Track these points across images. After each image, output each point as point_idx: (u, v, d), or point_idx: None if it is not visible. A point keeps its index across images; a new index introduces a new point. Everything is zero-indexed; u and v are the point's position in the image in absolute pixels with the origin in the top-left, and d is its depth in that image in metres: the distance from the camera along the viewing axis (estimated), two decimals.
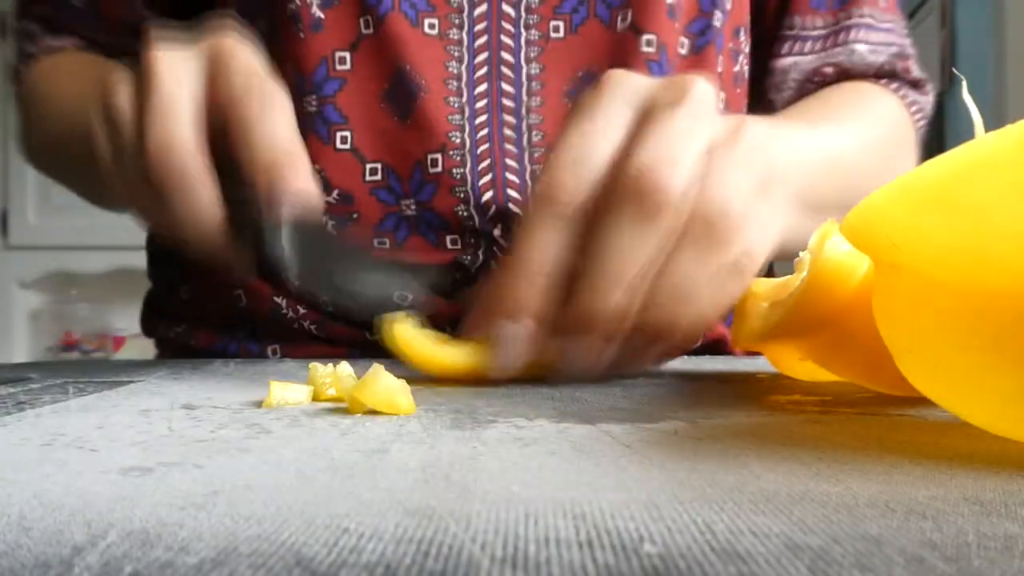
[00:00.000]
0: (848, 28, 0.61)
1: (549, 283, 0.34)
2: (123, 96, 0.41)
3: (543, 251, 0.34)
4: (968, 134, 0.23)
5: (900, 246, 0.21)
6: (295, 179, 0.37)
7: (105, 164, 0.42)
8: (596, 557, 0.13)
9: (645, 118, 0.34)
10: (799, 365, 0.35)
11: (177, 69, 0.39)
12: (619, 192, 0.33)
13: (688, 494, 0.17)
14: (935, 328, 0.21)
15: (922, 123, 0.63)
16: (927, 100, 0.63)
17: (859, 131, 0.55)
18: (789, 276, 0.35)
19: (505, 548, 0.13)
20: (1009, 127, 0.19)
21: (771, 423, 0.25)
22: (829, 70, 0.61)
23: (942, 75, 2.25)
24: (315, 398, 0.30)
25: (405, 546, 0.13)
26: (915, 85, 0.63)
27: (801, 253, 0.32)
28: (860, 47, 0.60)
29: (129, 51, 0.61)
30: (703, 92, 0.35)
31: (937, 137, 2.29)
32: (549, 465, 0.19)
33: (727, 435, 0.23)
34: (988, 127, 0.23)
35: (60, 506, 0.16)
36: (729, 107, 0.59)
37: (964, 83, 0.27)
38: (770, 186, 0.36)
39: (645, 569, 0.12)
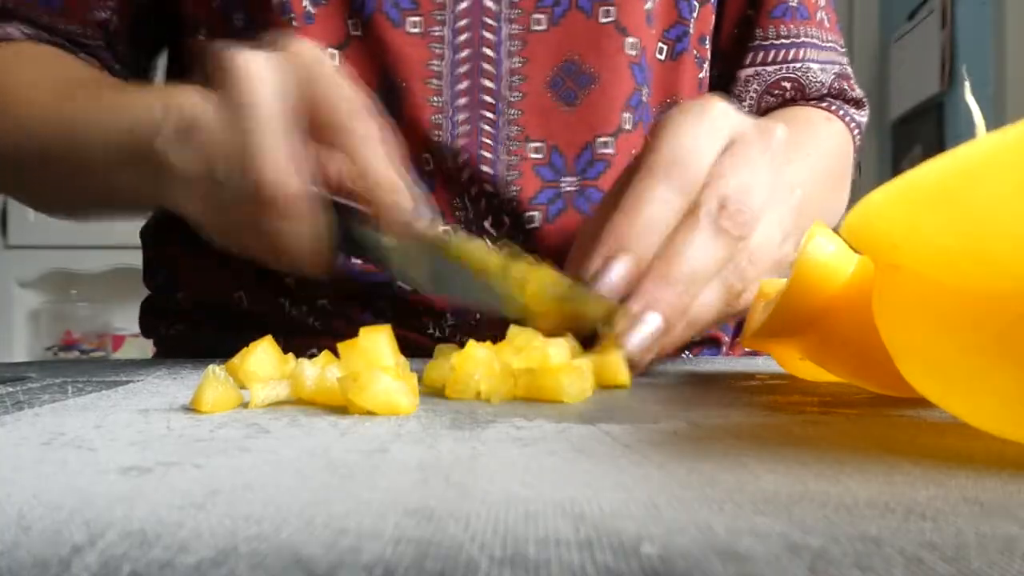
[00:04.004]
0: (801, 45, 0.64)
1: (651, 239, 0.38)
2: (200, 110, 0.39)
3: (656, 211, 0.38)
4: (968, 134, 0.23)
5: (900, 246, 0.21)
6: (408, 205, 0.40)
7: (170, 189, 0.41)
8: (596, 557, 0.13)
9: (730, 146, 0.40)
10: (801, 364, 0.35)
11: (270, 81, 0.38)
12: (703, 205, 0.38)
13: (688, 494, 0.17)
14: (935, 329, 0.21)
15: (860, 140, 0.67)
16: (864, 118, 0.67)
17: (813, 165, 0.59)
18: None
19: (504, 548, 0.13)
20: (1010, 127, 0.19)
21: (771, 423, 0.25)
22: (787, 84, 0.64)
23: (942, 75, 2.25)
24: (294, 393, 0.29)
25: (404, 546, 0.13)
26: (856, 103, 0.67)
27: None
28: (812, 65, 0.64)
29: (84, 43, 0.58)
30: (780, 139, 0.42)
31: (937, 137, 2.29)
32: (549, 465, 0.19)
33: (727, 435, 0.23)
34: (988, 127, 0.23)
35: (59, 505, 0.16)
36: None
37: (967, 84, 0.27)
38: (792, 219, 0.42)
39: (645, 569, 0.12)
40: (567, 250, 0.53)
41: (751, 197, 0.38)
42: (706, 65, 0.62)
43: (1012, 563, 0.13)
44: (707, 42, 0.62)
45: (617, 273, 0.37)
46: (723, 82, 0.65)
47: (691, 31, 0.58)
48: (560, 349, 0.34)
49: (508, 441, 0.22)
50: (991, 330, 0.19)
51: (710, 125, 0.40)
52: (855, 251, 0.29)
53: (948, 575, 0.12)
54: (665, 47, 0.57)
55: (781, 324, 0.30)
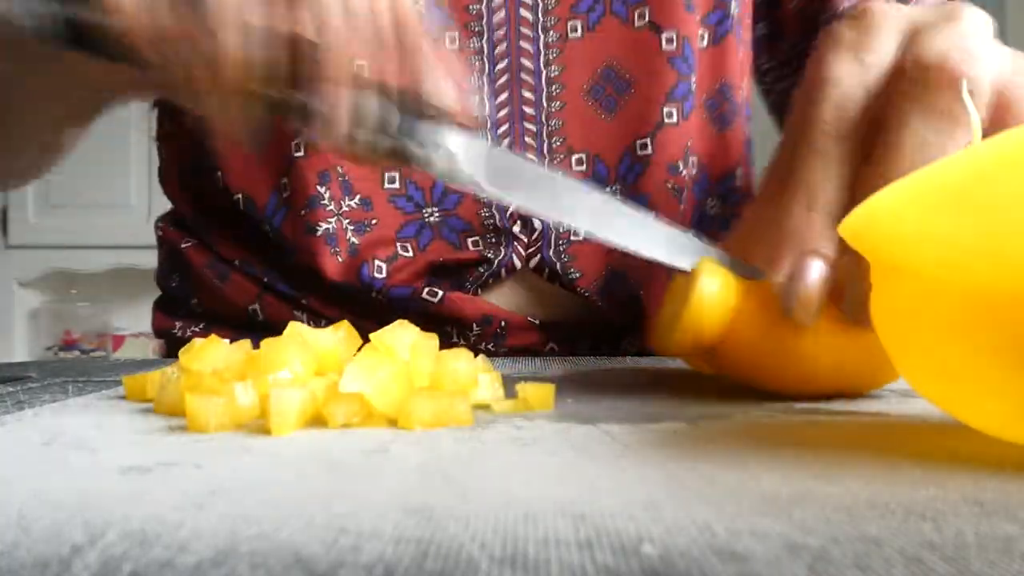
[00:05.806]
0: None
1: (831, 211, 0.32)
2: None
3: (824, 179, 0.32)
4: None
5: (912, 247, 0.20)
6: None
7: None
8: (596, 557, 0.13)
9: (913, 37, 0.33)
10: (706, 365, 0.36)
11: None
12: (911, 87, 0.31)
13: (688, 494, 0.17)
14: (944, 332, 0.20)
15: None
16: None
17: None
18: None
19: (504, 548, 0.13)
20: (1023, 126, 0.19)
21: (771, 423, 0.25)
22: None
23: None
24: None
25: (404, 546, 0.13)
26: None
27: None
28: None
29: None
30: (974, 16, 0.35)
31: None
32: (549, 465, 0.19)
33: (727, 435, 0.23)
34: None
35: (59, 505, 0.16)
36: (739, 94, 0.59)
37: (965, 83, 0.27)
38: None
39: (645, 569, 0.12)
40: (600, 263, 0.53)
41: None
42: (748, 48, 0.60)
43: (1012, 563, 0.13)
44: (748, 25, 0.60)
45: (816, 274, 0.31)
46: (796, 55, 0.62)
47: (733, 12, 0.57)
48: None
49: (508, 441, 0.22)
50: (1006, 332, 0.19)
51: (867, 44, 0.33)
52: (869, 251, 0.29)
53: (948, 575, 0.12)
54: (707, 33, 0.56)
55: (684, 347, 0.33)
